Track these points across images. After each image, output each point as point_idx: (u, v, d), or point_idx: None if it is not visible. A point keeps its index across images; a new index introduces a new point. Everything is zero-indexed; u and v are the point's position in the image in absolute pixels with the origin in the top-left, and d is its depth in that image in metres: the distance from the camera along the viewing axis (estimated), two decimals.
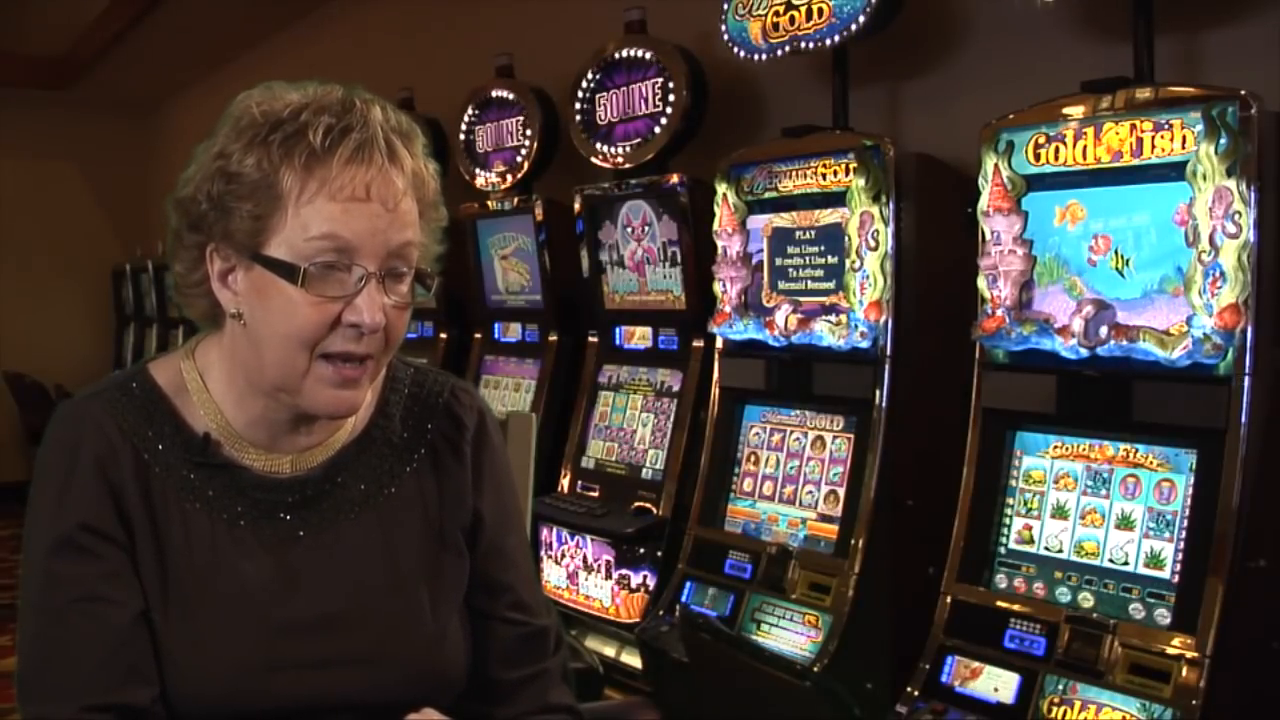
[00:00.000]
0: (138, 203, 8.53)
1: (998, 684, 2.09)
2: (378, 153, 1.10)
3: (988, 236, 2.24)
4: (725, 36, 2.85)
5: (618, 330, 3.45)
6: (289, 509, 1.19)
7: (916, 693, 2.17)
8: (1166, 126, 1.98)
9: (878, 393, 2.50)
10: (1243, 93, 1.89)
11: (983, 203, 2.24)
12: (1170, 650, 1.91)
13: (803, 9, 2.67)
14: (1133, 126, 2.02)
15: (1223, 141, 1.89)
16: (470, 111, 4.02)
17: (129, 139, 8.88)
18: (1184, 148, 1.95)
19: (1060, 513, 2.18)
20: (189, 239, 1.16)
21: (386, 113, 1.14)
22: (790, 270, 2.73)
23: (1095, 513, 2.13)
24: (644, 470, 3.24)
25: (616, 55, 3.32)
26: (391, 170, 1.11)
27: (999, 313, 2.22)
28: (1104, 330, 2.05)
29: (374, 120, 1.12)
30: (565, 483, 3.44)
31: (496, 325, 4.03)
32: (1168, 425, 2.04)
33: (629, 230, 3.32)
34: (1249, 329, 1.90)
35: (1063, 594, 2.13)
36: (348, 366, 1.12)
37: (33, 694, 1.10)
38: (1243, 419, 1.90)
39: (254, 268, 1.11)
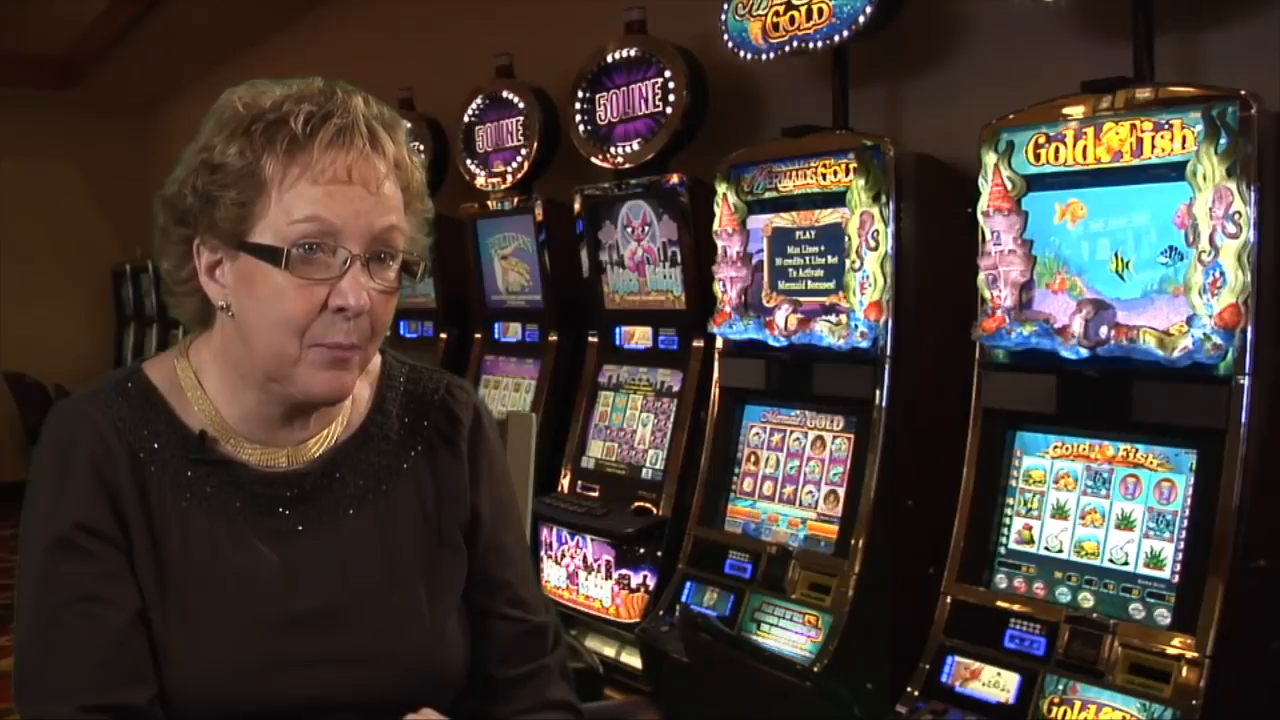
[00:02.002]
0: (138, 203, 8.49)
1: (998, 684, 2.09)
2: (359, 137, 1.11)
3: (988, 236, 2.24)
4: (725, 36, 2.85)
5: (618, 330, 3.44)
6: (287, 504, 1.19)
7: (916, 693, 2.17)
8: (1166, 126, 1.98)
9: (878, 393, 2.49)
10: (1243, 93, 1.89)
11: (983, 203, 2.24)
12: (1170, 650, 1.91)
13: (803, 9, 2.67)
14: (1133, 126, 2.02)
15: (1223, 141, 1.89)
16: (470, 112, 4.02)
17: (129, 139, 8.88)
18: (1184, 148, 1.95)
19: (1060, 513, 2.18)
20: (176, 234, 1.17)
21: (368, 102, 1.15)
22: (790, 270, 2.73)
23: (1095, 513, 2.13)
24: (644, 470, 3.24)
25: (616, 55, 3.32)
26: (373, 155, 1.12)
27: (999, 313, 2.22)
28: (1104, 330, 2.05)
29: (355, 107, 1.13)
30: (565, 483, 3.44)
31: (496, 325, 4.03)
32: (1168, 425, 2.04)
33: (629, 230, 3.32)
34: (1249, 329, 1.89)
35: (1063, 594, 2.13)
36: (337, 349, 1.12)
37: (30, 694, 1.10)
38: (1243, 419, 1.90)
39: (240, 257, 1.12)
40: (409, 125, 1.21)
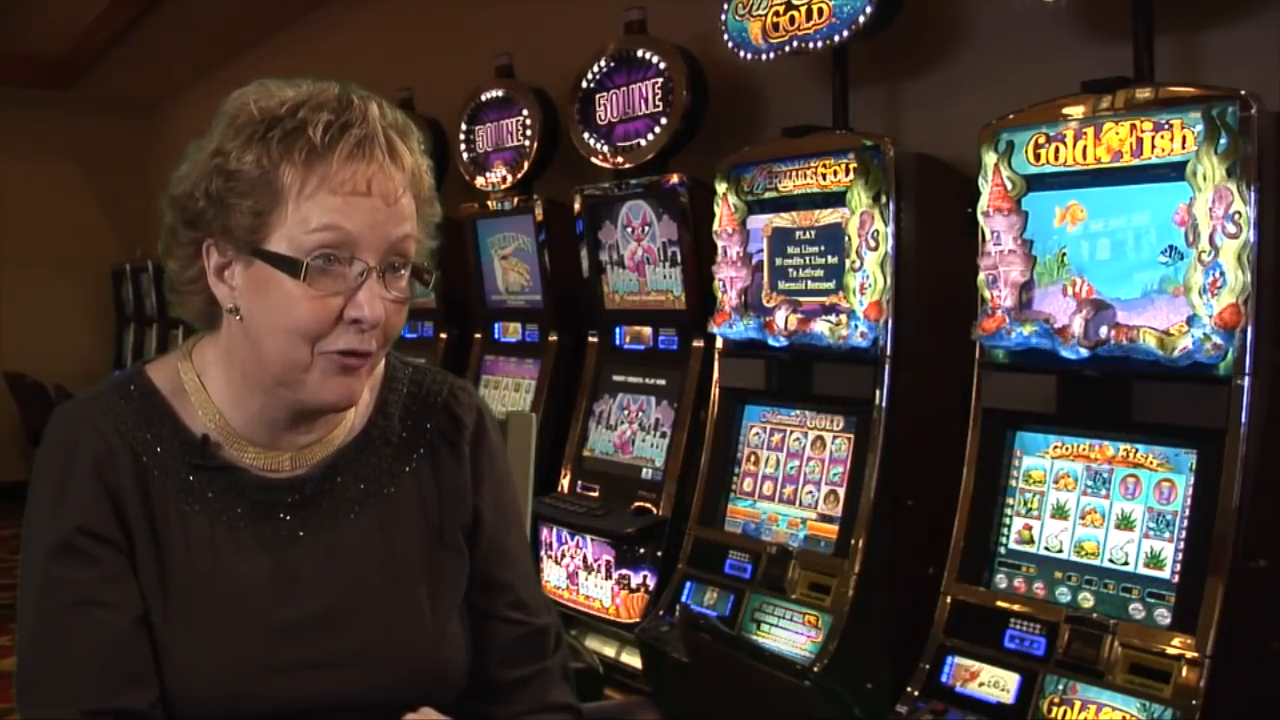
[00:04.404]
0: (138, 203, 8.52)
1: (998, 684, 2.09)
2: (378, 149, 1.11)
3: (988, 236, 2.24)
4: (725, 36, 2.85)
5: (618, 330, 3.44)
6: (289, 509, 1.19)
7: (916, 693, 2.17)
8: (1166, 126, 1.98)
9: (878, 393, 2.49)
10: (1243, 93, 1.89)
11: (983, 203, 2.24)
12: (1170, 650, 1.91)
13: (803, 9, 2.67)
14: (1133, 126, 2.02)
15: (1223, 141, 1.89)
16: (470, 111, 4.02)
17: (129, 139, 8.88)
18: (1184, 148, 1.95)
19: (1060, 513, 2.18)
20: (185, 235, 1.16)
21: (383, 109, 1.15)
22: (790, 270, 2.73)
23: (1095, 513, 2.13)
24: (644, 470, 3.24)
25: (616, 55, 3.32)
26: (391, 166, 1.12)
27: (999, 313, 2.22)
28: (1104, 330, 2.05)
29: (372, 117, 1.12)
30: (565, 483, 3.44)
31: (496, 325, 4.03)
32: (1168, 425, 2.04)
33: (629, 230, 3.32)
34: (1249, 329, 1.89)
35: (1063, 594, 2.13)
36: (349, 356, 1.12)
37: (32, 697, 1.10)
38: (1243, 419, 1.90)
39: (253, 263, 1.11)
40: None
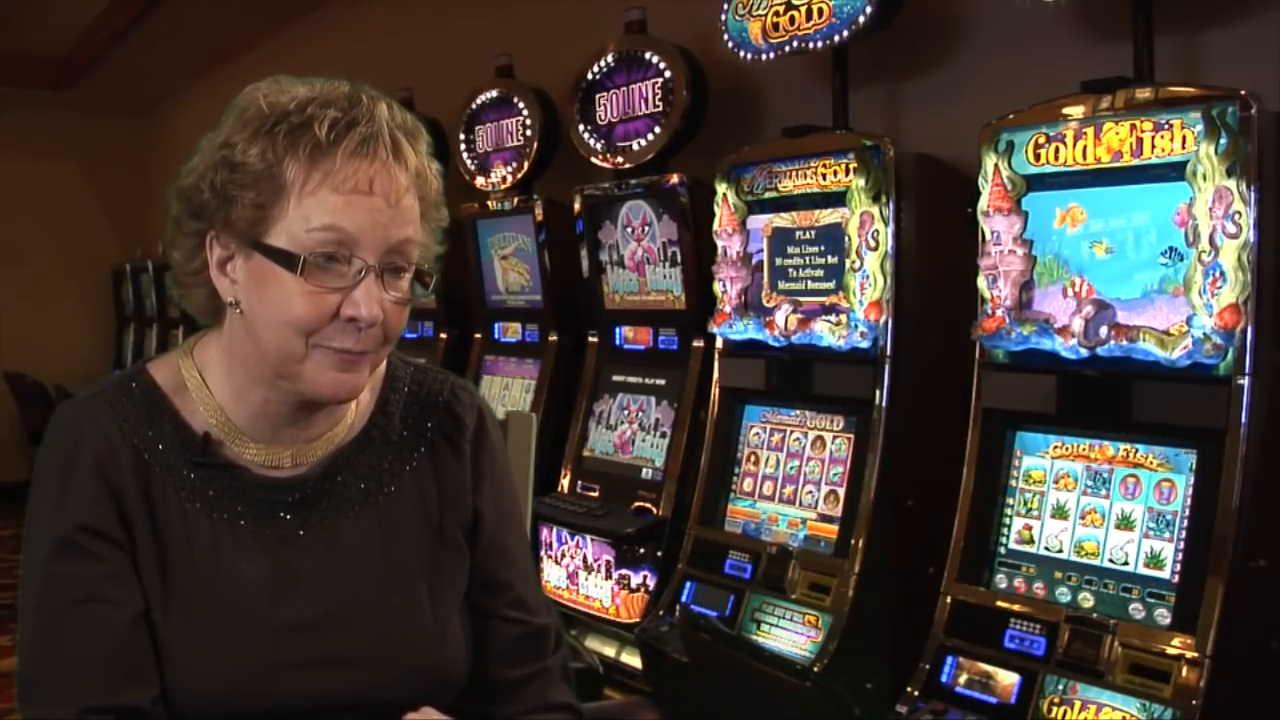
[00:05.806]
0: (138, 203, 8.54)
1: (997, 684, 2.09)
2: (382, 148, 1.11)
3: (988, 236, 2.24)
4: (725, 36, 2.85)
5: (618, 330, 3.45)
6: (289, 508, 1.20)
7: (916, 693, 2.17)
8: (1166, 126, 1.98)
9: (878, 393, 2.50)
10: (1243, 93, 1.89)
11: (983, 203, 2.24)
12: (1170, 650, 1.91)
13: (803, 9, 2.67)
14: (1133, 126, 2.02)
15: (1223, 141, 1.89)
16: (470, 111, 4.03)
17: (129, 139, 8.88)
18: (1184, 148, 1.95)
19: (1060, 513, 2.18)
20: (189, 226, 1.16)
21: (392, 110, 1.15)
22: (790, 270, 2.73)
23: (1095, 513, 2.13)
24: (644, 470, 3.24)
25: (616, 55, 3.32)
26: (395, 166, 1.12)
27: (999, 313, 2.22)
28: (1104, 330, 2.05)
29: (380, 116, 1.12)
30: (565, 483, 3.44)
31: (496, 325, 4.03)
32: (1168, 425, 2.04)
33: (629, 230, 3.32)
34: (1249, 329, 1.89)
35: (1063, 594, 2.13)
36: (346, 352, 1.12)
37: (33, 696, 1.10)
38: (1243, 419, 1.90)
39: (254, 256, 1.11)
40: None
